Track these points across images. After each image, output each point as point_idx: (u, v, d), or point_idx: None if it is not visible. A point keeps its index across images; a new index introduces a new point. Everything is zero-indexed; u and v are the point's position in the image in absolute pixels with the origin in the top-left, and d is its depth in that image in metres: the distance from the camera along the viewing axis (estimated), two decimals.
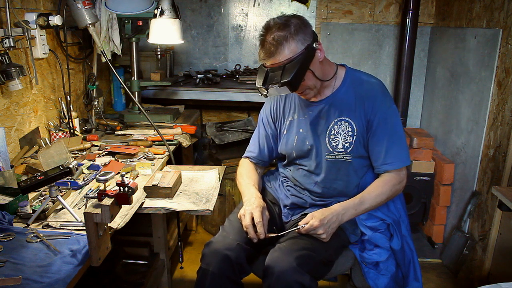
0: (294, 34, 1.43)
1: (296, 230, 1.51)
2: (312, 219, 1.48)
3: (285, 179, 1.79)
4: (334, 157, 1.60)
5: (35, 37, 1.94)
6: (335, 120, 1.58)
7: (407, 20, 2.87)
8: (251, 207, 1.56)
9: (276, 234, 1.54)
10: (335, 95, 1.59)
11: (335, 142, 1.59)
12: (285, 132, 1.71)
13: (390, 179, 1.56)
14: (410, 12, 2.85)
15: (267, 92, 1.49)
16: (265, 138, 1.80)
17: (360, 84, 1.58)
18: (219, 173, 1.86)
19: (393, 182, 1.56)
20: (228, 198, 2.78)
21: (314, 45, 1.46)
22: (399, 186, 1.58)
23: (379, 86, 1.59)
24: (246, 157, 1.85)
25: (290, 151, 1.70)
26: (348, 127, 1.57)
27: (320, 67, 1.52)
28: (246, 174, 1.78)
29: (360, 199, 1.55)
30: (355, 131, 1.56)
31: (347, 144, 1.58)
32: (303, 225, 1.49)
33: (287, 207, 1.74)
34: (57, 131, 2.08)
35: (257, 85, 1.51)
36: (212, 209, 1.54)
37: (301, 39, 1.43)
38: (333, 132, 1.59)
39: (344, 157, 1.59)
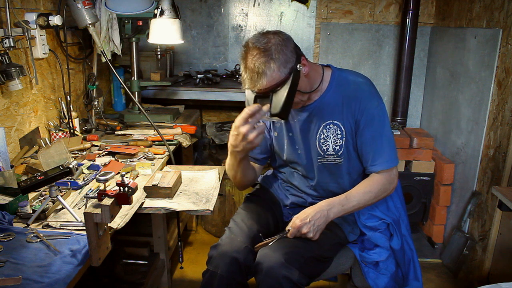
0: (276, 59, 1.37)
1: (284, 235, 1.50)
2: (296, 220, 1.49)
3: (282, 181, 1.79)
4: (325, 160, 1.59)
5: (35, 37, 1.94)
6: (323, 124, 1.56)
7: (407, 20, 2.87)
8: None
9: (265, 242, 1.51)
10: (322, 98, 1.56)
11: (325, 146, 1.57)
12: (275, 134, 1.69)
13: (379, 178, 1.55)
14: (410, 12, 2.86)
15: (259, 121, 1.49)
16: None
17: (347, 85, 1.55)
18: (219, 173, 1.86)
19: (382, 181, 1.55)
20: (228, 198, 2.78)
21: (298, 66, 1.41)
22: (389, 186, 1.57)
23: (366, 85, 1.56)
24: None
25: (282, 154, 1.69)
26: (337, 130, 1.55)
27: (306, 81, 1.49)
28: None
29: (346, 196, 1.54)
30: (344, 133, 1.55)
31: (337, 147, 1.57)
32: (289, 229, 1.49)
33: (287, 207, 1.74)
34: (57, 131, 2.08)
35: None
36: (212, 209, 1.54)
37: (283, 63, 1.38)
38: (322, 136, 1.57)
39: (336, 160, 1.58)
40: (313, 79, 1.53)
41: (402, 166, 2.74)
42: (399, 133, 2.83)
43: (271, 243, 1.49)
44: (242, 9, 3.15)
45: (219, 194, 1.72)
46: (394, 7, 3.05)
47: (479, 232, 2.34)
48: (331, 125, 1.56)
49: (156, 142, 2.14)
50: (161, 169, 1.88)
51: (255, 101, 1.47)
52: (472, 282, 2.37)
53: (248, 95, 1.50)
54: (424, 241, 2.80)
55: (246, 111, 1.41)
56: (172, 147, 2.09)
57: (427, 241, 2.79)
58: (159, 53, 2.62)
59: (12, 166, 1.65)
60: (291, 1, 3.09)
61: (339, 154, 1.57)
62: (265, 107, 1.43)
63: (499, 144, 2.17)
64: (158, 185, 1.59)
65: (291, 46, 1.42)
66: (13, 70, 1.71)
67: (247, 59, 1.40)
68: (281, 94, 1.40)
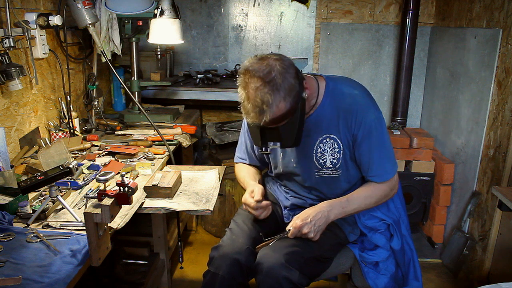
0: (281, 89, 1.30)
1: (284, 235, 1.50)
2: (296, 220, 1.49)
3: (280, 184, 1.79)
4: (323, 173, 1.59)
5: (35, 37, 1.94)
6: (320, 138, 1.55)
7: (407, 20, 2.87)
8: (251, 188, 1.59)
9: (266, 242, 1.52)
10: (318, 112, 1.53)
11: (322, 160, 1.57)
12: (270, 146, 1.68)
13: (381, 185, 1.55)
14: (410, 12, 2.86)
15: (269, 151, 1.54)
16: (251, 148, 1.77)
17: (342, 98, 1.51)
18: (219, 173, 1.86)
19: (384, 188, 1.55)
20: (228, 198, 2.78)
21: (303, 94, 1.37)
22: (391, 192, 1.57)
23: (361, 97, 1.52)
24: (239, 162, 1.83)
25: (278, 167, 1.69)
26: (334, 144, 1.54)
27: (306, 102, 1.46)
28: (246, 171, 1.77)
29: (347, 198, 1.54)
30: (341, 146, 1.54)
31: (335, 160, 1.56)
32: (290, 229, 1.49)
33: (288, 208, 1.74)
34: (57, 131, 2.08)
35: (255, 145, 1.49)
36: (212, 209, 1.54)
37: (288, 92, 1.31)
38: (319, 150, 1.56)
39: (334, 173, 1.58)
40: (310, 97, 1.50)
41: (402, 166, 2.74)
42: (399, 133, 2.83)
43: (271, 243, 1.49)
44: (242, 9, 3.15)
45: (219, 194, 1.72)
46: (394, 7, 3.05)
47: (479, 232, 2.34)
48: (328, 139, 1.54)
49: (156, 142, 2.14)
50: (161, 169, 1.88)
51: (262, 135, 1.44)
52: (472, 282, 2.37)
53: (253, 129, 1.46)
54: (424, 241, 2.80)
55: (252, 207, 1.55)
56: (172, 147, 2.09)
57: (427, 241, 2.79)
58: (159, 53, 2.62)
59: (12, 166, 1.65)
60: (291, 1, 3.09)
61: (336, 167, 1.57)
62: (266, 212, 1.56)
63: (499, 144, 2.17)
64: (158, 185, 1.59)
65: (293, 72, 1.35)
66: (13, 70, 1.71)
67: (249, 89, 1.31)
68: (290, 127, 1.38)
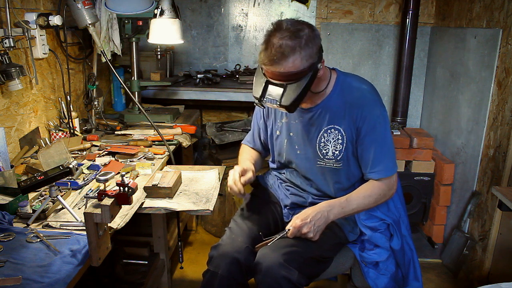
0: (303, 48, 1.36)
1: (284, 235, 1.50)
2: (296, 220, 1.49)
3: (282, 181, 1.80)
4: (324, 164, 1.60)
5: (35, 37, 1.94)
6: (325, 128, 1.56)
7: (407, 20, 2.87)
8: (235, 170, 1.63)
9: (266, 242, 1.52)
10: (326, 102, 1.56)
11: (325, 150, 1.58)
12: (277, 133, 1.71)
13: (380, 184, 1.56)
14: (410, 12, 2.86)
15: (264, 107, 1.52)
16: (258, 133, 1.82)
17: (350, 91, 1.54)
18: (219, 173, 1.87)
19: (382, 187, 1.56)
20: (228, 198, 2.78)
21: (318, 65, 1.41)
22: (389, 192, 1.58)
23: (369, 92, 1.55)
24: (245, 144, 1.90)
25: (282, 153, 1.71)
26: (338, 135, 1.55)
27: (317, 82, 1.49)
28: (247, 152, 1.83)
29: (347, 199, 1.54)
30: (345, 138, 1.55)
31: (337, 152, 1.57)
32: (289, 229, 1.49)
33: (288, 207, 1.74)
34: (57, 131, 2.09)
35: (254, 95, 1.47)
36: (212, 209, 1.54)
37: (307, 56, 1.37)
38: (323, 139, 1.57)
39: (334, 164, 1.58)
40: (322, 81, 1.53)
41: (402, 166, 2.74)
42: (399, 133, 2.83)
43: (270, 243, 1.49)
44: (242, 9, 3.15)
45: (219, 194, 1.73)
46: (394, 7, 3.05)
47: (479, 232, 2.34)
48: (332, 130, 1.56)
49: (156, 142, 2.14)
50: (161, 169, 1.88)
51: (265, 87, 1.43)
52: (472, 282, 2.37)
53: (258, 79, 1.44)
54: (424, 241, 2.80)
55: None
56: (172, 147, 2.09)
57: (427, 241, 2.79)
58: (159, 53, 2.62)
59: (12, 166, 1.64)
60: (291, 1, 3.09)
61: (338, 159, 1.57)
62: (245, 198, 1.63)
63: (499, 144, 2.17)
64: (158, 185, 1.59)
65: (319, 43, 1.43)
66: (13, 70, 1.71)
67: (275, 36, 1.36)
68: (296, 88, 1.39)
